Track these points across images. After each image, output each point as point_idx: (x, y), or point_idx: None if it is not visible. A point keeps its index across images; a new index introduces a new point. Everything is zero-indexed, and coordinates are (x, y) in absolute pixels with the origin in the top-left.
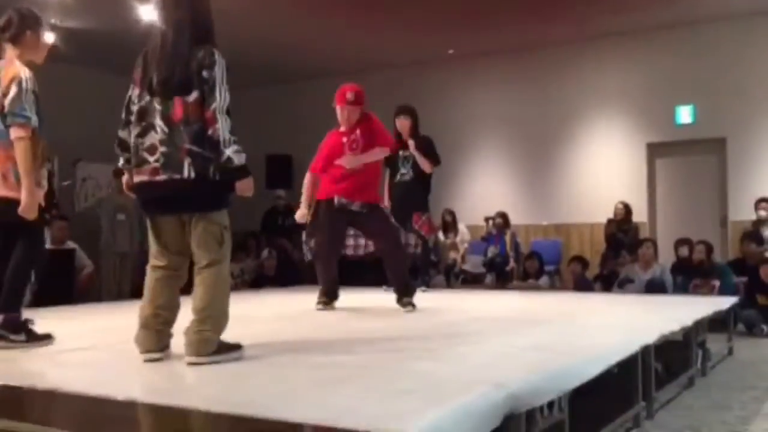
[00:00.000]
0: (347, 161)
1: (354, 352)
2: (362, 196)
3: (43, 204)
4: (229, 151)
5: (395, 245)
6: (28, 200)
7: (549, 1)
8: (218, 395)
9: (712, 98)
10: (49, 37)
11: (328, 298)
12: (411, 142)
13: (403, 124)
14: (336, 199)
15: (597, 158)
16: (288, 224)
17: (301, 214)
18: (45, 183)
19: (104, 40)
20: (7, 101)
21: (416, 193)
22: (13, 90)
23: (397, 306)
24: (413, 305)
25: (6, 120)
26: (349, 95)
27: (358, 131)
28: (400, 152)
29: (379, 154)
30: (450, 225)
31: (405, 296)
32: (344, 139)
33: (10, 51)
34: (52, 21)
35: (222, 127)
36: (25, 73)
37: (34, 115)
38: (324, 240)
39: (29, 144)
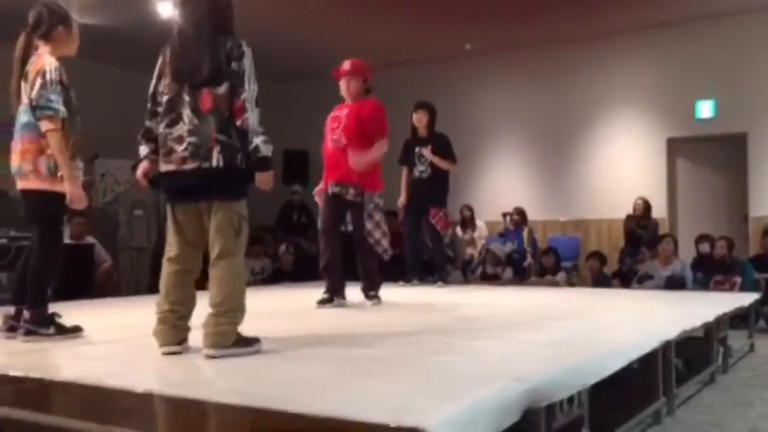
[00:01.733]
0: (353, 161)
1: (372, 345)
2: (354, 177)
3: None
4: (257, 140)
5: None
6: (73, 190)
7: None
8: (236, 388)
9: (732, 93)
10: (77, 30)
11: (330, 296)
12: (426, 150)
13: (420, 118)
14: (329, 188)
15: (616, 154)
16: (303, 220)
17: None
18: (80, 175)
19: (122, 37)
20: (34, 94)
21: (434, 190)
22: (38, 82)
23: (365, 301)
24: (378, 298)
25: (35, 113)
26: (345, 64)
27: (345, 111)
28: (417, 149)
29: (381, 147)
30: (468, 221)
31: (371, 290)
32: (331, 114)
33: (42, 47)
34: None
35: (251, 117)
36: (51, 64)
37: (61, 107)
38: (321, 228)
39: (61, 135)
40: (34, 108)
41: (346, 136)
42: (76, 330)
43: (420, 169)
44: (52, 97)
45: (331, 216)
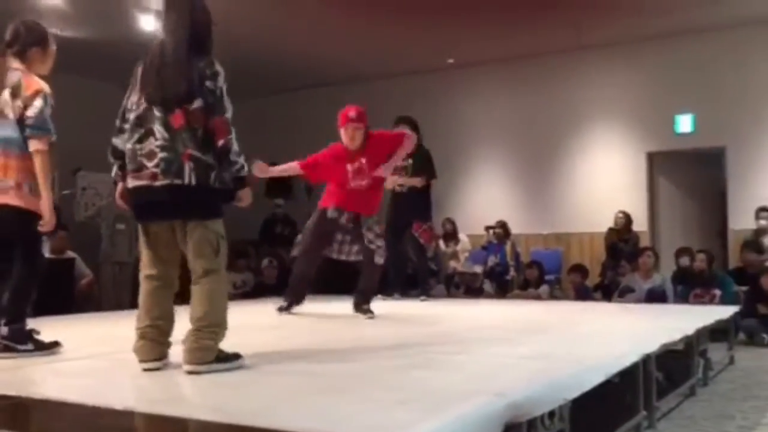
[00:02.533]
0: (385, 172)
1: (353, 360)
2: (360, 208)
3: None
4: (241, 160)
5: (371, 261)
6: (50, 212)
7: (548, 11)
8: (216, 404)
9: (711, 107)
10: (53, 51)
11: (291, 302)
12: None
13: None
14: (329, 211)
15: (597, 167)
16: (287, 233)
17: (259, 167)
18: (51, 194)
19: (104, 50)
20: (31, 113)
21: (414, 203)
22: (39, 103)
23: (362, 316)
24: (372, 312)
25: (26, 131)
26: (352, 113)
27: (363, 159)
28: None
29: (405, 149)
30: (450, 234)
31: (365, 303)
32: (349, 167)
33: (17, 64)
34: (53, 30)
35: (234, 138)
36: (47, 88)
37: (53, 130)
38: (305, 247)
39: (47, 157)
40: (28, 126)
41: (375, 183)
42: (54, 346)
43: (399, 183)
44: (49, 119)
45: (322, 239)
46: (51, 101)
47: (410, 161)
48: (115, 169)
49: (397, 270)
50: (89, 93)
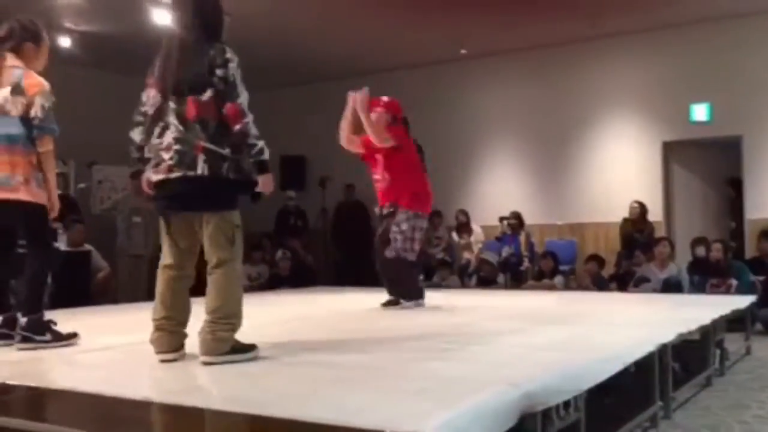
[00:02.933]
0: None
1: (369, 352)
2: (387, 197)
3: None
4: (261, 143)
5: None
6: (56, 204)
7: (562, 1)
8: (232, 395)
9: (727, 96)
10: (46, 48)
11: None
12: None
13: None
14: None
15: (612, 157)
16: (300, 225)
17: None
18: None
19: (119, 43)
20: (37, 112)
21: None
22: (44, 102)
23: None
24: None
25: (34, 131)
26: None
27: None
28: None
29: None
30: (464, 225)
31: (402, 297)
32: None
33: (12, 60)
34: (67, 24)
35: (251, 122)
36: (47, 85)
37: (57, 127)
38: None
39: (54, 154)
40: (36, 127)
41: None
42: (72, 337)
43: None
44: (52, 116)
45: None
46: (52, 97)
47: None
48: (135, 161)
49: None
50: (104, 86)
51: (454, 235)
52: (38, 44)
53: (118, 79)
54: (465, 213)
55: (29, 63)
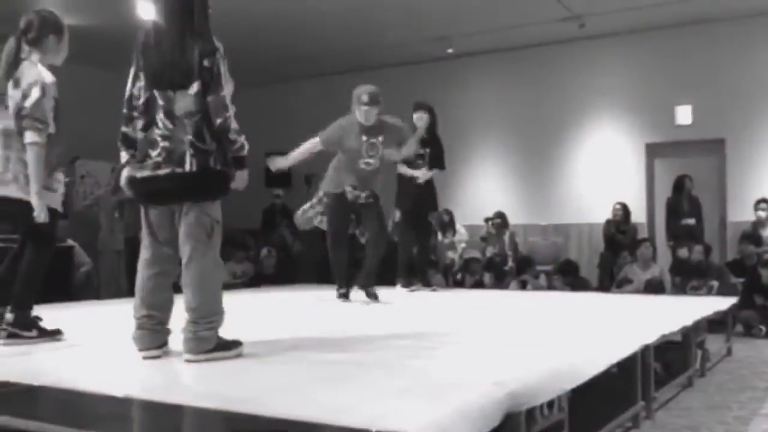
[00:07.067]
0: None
1: (353, 350)
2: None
3: (60, 209)
4: (241, 139)
5: (383, 237)
6: (39, 204)
7: (548, 0)
8: (215, 392)
9: (710, 99)
10: (67, 40)
11: (346, 289)
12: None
13: (421, 119)
14: (348, 191)
15: (596, 158)
16: (286, 223)
17: (275, 161)
18: (59, 187)
19: (102, 37)
20: (27, 103)
21: (433, 194)
22: (36, 94)
23: (366, 301)
24: (376, 296)
25: (24, 122)
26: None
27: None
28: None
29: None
30: (447, 225)
31: (371, 286)
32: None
33: (31, 53)
34: None
35: (232, 116)
36: (48, 78)
37: (51, 122)
38: (334, 231)
39: (42, 150)
40: (23, 116)
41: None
42: (56, 333)
43: (420, 176)
44: (48, 111)
45: (346, 219)
46: (53, 93)
47: (427, 150)
48: (126, 156)
49: (404, 259)
50: (87, 81)
51: (438, 235)
52: (60, 36)
53: (101, 74)
54: (449, 212)
55: (50, 56)
